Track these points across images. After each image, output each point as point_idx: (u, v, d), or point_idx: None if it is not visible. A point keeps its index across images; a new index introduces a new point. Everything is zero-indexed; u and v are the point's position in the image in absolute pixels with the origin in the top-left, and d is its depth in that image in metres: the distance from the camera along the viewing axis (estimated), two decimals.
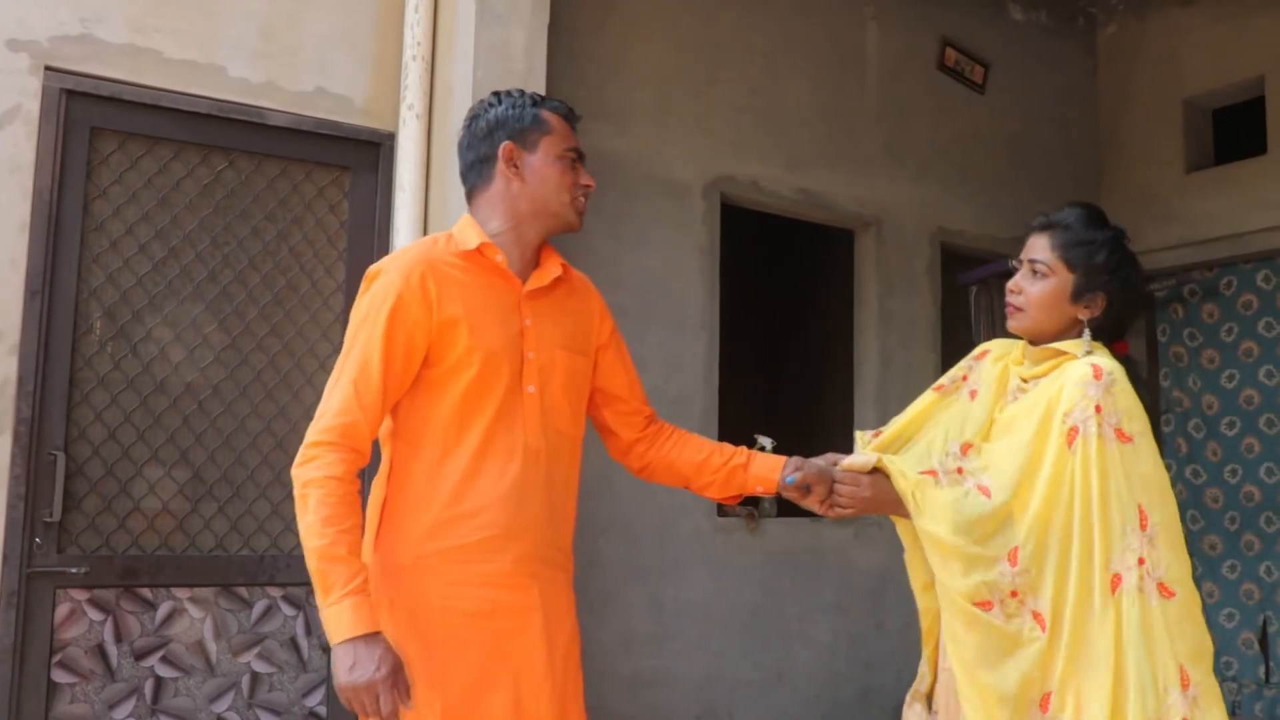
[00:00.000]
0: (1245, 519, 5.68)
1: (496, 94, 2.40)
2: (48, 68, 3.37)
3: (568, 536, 2.39)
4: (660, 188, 4.71)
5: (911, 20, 5.59)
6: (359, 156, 3.83)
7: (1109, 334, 2.38)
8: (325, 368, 3.73)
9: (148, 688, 3.42)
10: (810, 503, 2.46)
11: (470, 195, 2.39)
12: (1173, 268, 6.03)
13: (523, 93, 2.39)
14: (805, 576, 4.96)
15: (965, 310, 5.60)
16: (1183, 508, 5.92)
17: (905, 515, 2.31)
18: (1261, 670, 5.54)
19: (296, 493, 2.10)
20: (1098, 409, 2.17)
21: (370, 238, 3.82)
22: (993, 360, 2.50)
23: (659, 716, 4.50)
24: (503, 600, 2.20)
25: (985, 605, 2.18)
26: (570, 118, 2.41)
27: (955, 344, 5.67)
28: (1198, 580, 5.87)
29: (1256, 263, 5.75)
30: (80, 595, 3.35)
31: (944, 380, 2.57)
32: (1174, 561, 2.17)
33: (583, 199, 2.40)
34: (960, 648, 2.20)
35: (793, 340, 7.52)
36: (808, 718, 4.90)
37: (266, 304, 3.68)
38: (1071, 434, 2.17)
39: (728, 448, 2.55)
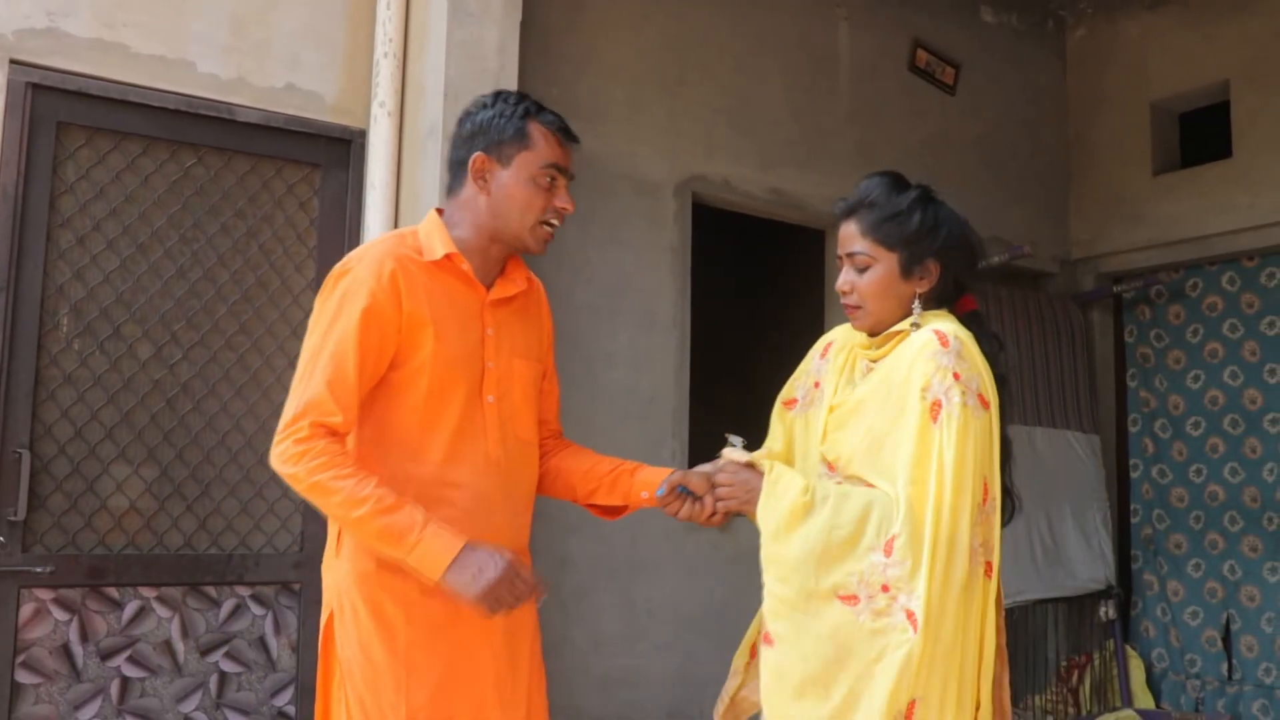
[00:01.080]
0: (1209, 518, 5.74)
1: (496, 94, 2.31)
2: (13, 61, 3.33)
3: (526, 537, 2.37)
4: (632, 186, 4.71)
5: (883, 21, 5.61)
6: (329, 154, 3.81)
7: (952, 296, 2.25)
8: (295, 365, 3.69)
9: (114, 688, 3.39)
10: (696, 515, 2.32)
11: (447, 193, 2.35)
12: (1140, 269, 6.09)
13: (521, 99, 2.29)
14: None
15: None
16: (1148, 507, 6.00)
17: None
18: (1224, 667, 5.60)
19: (306, 486, 2.06)
20: (956, 376, 2.02)
21: (340, 235, 3.80)
22: (836, 351, 2.37)
23: (630, 715, 4.50)
24: (465, 609, 2.17)
25: (850, 600, 2.00)
26: (563, 133, 2.29)
27: None
28: (1163, 579, 5.98)
29: (1221, 265, 5.81)
30: (45, 595, 3.32)
31: (796, 394, 2.42)
32: (997, 541, 2.05)
33: (551, 225, 2.29)
34: (801, 662, 2.03)
35: (764, 340, 7.53)
36: None
37: (235, 301, 3.66)
38: (935, 408, 2.01)
39: (617, 459, 2.46)
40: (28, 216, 3.34)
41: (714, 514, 2.29)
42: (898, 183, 2.24)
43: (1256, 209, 5.52)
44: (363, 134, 3.81)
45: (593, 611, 4.45)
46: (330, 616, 2.22)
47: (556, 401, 2.54)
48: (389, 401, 2.20)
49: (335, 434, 2.10)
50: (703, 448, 4.84)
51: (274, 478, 3.61)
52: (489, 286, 2.30)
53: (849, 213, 2.25)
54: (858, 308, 2.23)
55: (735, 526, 4.85)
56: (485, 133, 2.26)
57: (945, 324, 2.13)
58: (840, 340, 2.39)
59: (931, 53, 5.78)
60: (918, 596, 1.94)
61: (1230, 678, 5.58)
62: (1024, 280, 6.14)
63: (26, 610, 3.29)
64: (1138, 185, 6.07)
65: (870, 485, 2.09)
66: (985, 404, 2.05)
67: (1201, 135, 6.06)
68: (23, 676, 3.27)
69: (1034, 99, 6.27)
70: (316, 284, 3.74)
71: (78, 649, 3.35)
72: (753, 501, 2.17)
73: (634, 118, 4.74)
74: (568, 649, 4.31)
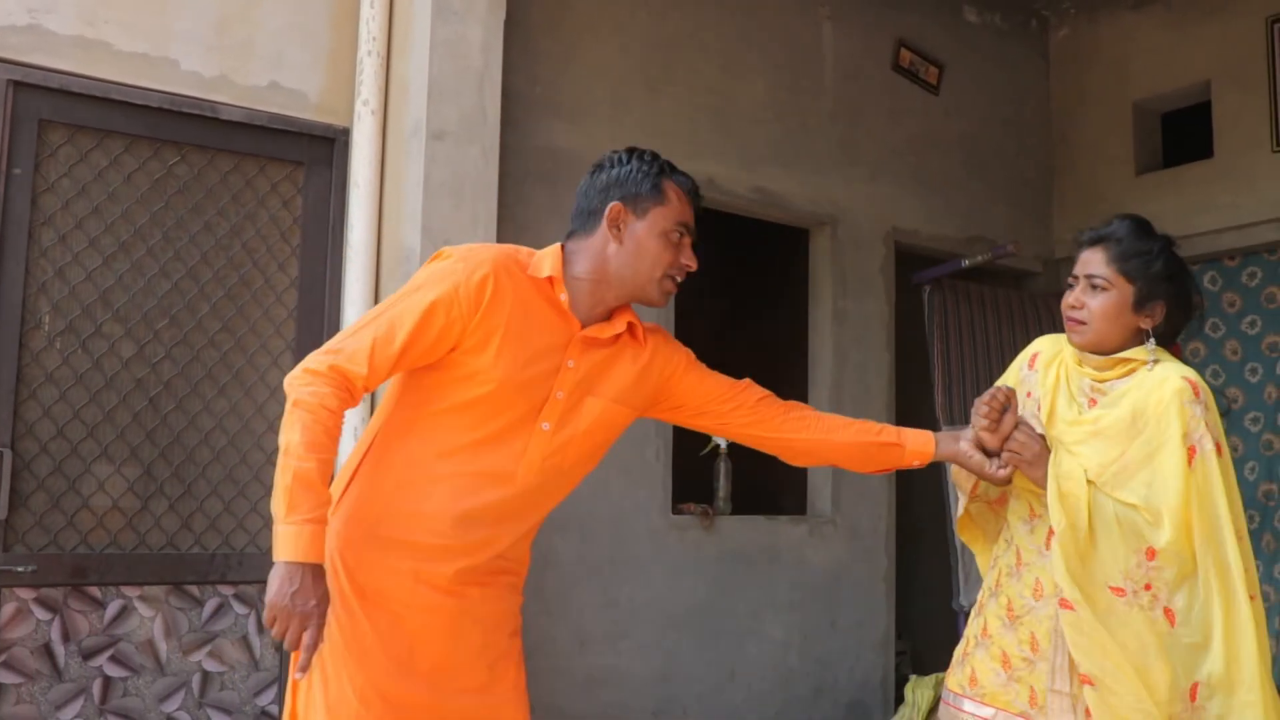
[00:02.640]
0: None
1: (630, 151, 2.38)
2: None
3: (525, 548, 2.40)
4: None
5: (867, 21, 5.63)
6: (313, 152, 3.81)
7: (1167, 340, 2.42)
8: (279, 364, 3.70)
9: (96, 688, 3.38)
10: (982, 467, 2.41)
11: (571, 235, 2.39)
12: None
13: (655, 158, 2.36)
14: (759, 574, 4.98)
15: (919, 310, 5.65)
16: None
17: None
18: None
19: (287, 406, 2.09)
20: (1207, 426, 2.24)
21: (324, 234, 3.79)
22: (1044, 364, 2.51)
23: (613, 714, 4.51)
24: (438, 602, 2.21)
25: (1119, 592, 2.22)
26: (694, 195, 2.37)
27: (909, 343, 5.72)
28: None
29: (1203, 265, 5.84)
30: (27, 594, 3.31)
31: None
32: (1253, 569, 2.28)
33: (675, 280, 2.35)
34: (1104, 638, 2.23)
35: (748, 339, 7.54)
36: (761, 715, 4.92)
37: (219, 300, 3.65)
38: (1191, 453, 2.23)
39: (869, 426, 2.54)
40: (9, 214, 3.33)
41: (1004, 466, 2.40)
42: (1147, 228, 2.45)
43: (1238, 209, 5.55)
44: (346, 132, 3.80)
45: (576, 610, 4.45)
46: None
47: (726, 384, 2.54)
48: (437, 393, 2.23)
49: (349, 385, 2.13)
50: (687, 446, 4.85)
51: (257, 476, 3.63)
52: (586, 324, 2.32)
53: (1096, 241, 2.43)
54: (1082, 324, 2.40)
55: (717, 525, 4.88)
56: (621, 185, 2.33)
57: (1191, 372, 2.33)
58: (1047, 352, 2.54)
59: (915, 52, 5.80)
60: (1181, 599, 2.20)
61: None
62: (1007, 279, 6.17)
63: (8, 610, 3.28)
64: (1121, 185, 6.09)
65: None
66: (1220, 451, 2.27)
67: (1184, 135, 6.09)
68: (4, 676, 3.26)
69: (1017, 98, 6.29)
70: (300, 282, 3.74)
71: (59, 648, 3.34)
72: (1035, 465, 2.34)
73: (617, 116, 4.74)
74: (551, 648, 4.32)
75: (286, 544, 2.03)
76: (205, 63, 3.62)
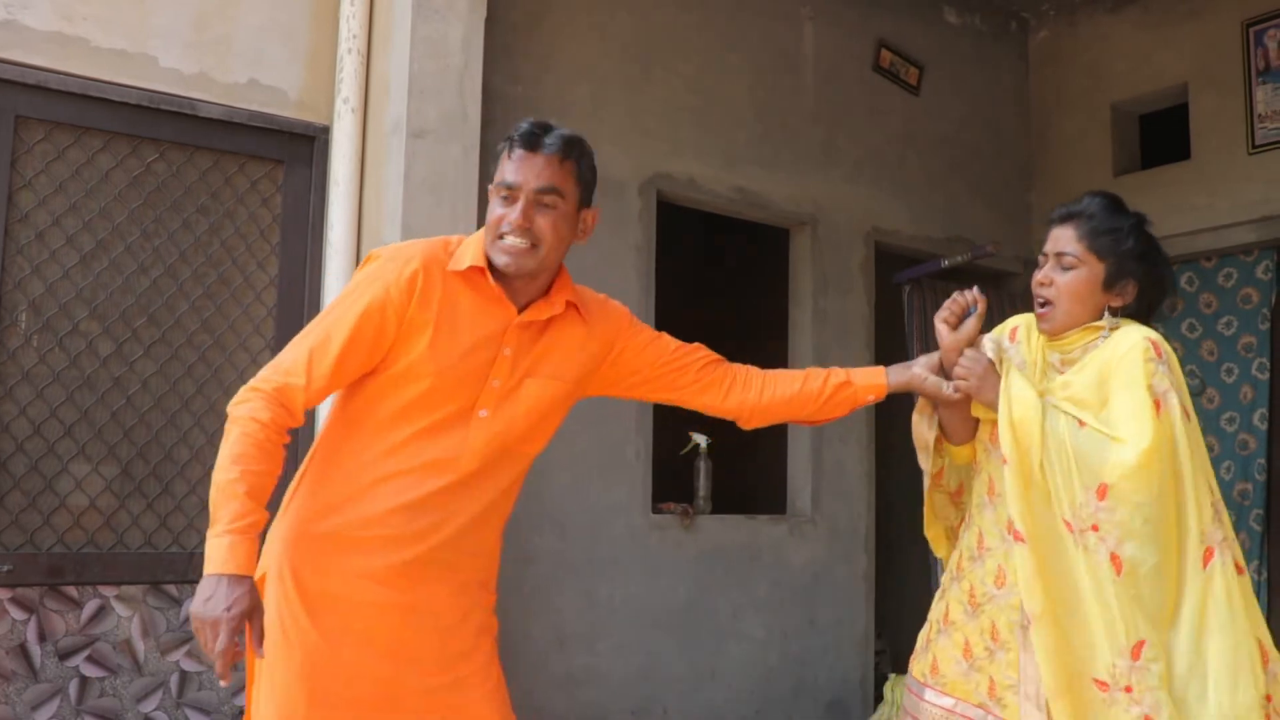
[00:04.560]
0: None
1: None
2: None
3: (489, 539, 2.36)
4: (596, 185, 4.70)
5: (848, 21, 5.64)
6: (293, 150, 3.79)
7: (1139, 320, 2.38)
8: (258, 362, 3.69)
9: (72, 688, 3.36)
10: (936, 390, 2.41)
11: None
12: None
13: (520, 126, 2.30)
14: (739, 573, 4.99)
15: (899, 309, 5.67)
16: None
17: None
18: None
19: (227, 424, 2.09)
20: (1171, 385, 2.19)
21: (304, 232, 3.78)
22: (1024, 337, 2.47)
23: (592, 713, 4.50)
24: (386, 598, 2.18)
25: (1068, 527, 2.16)
26: (513, 145, 2.25)
27: (889, 343, 5.74)
28: None
29: (1180, 265, 5.87)
30: (3, 594, 3.29)
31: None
32: (1235, 541, 2.21)
33: (509, 238, 2.21)
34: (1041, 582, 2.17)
35: (729, 338, 7.55)
36: (740, 714, 4.93)
37: (198, 298, 3.63)
38: (1156, 405, 2.16)
39: (817, 372, 2.52)
40: None
41: (955, 388, 2.39)
42: (1119, 205, 2.38)
43: (1214, 210, 5.59)
44: (326, 130, 3.79)
45: (555, 609, 4.45)
46: (263, 578, 2.20)
47: (674, 348, 2.53)
48: (378, 392, 2.22)
49: (288, 405, 2.11)
50: (667, 445, 4.85)
51: None
52: (523, 307, 2.28)
53: (1066, 218, 2.37)
54: (1050, 304, 2.35)
55: (697, 524, 4.88)
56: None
57: (1153, 332, 2.27)
58: (1024, 327, 2.49)
59: (895, 53, 5.82)
60: (1127, 547, 2.10)
61: None
62: (987, 280, 6.19)
63: None
64: (1099, 186, 6.05)
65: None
66: (1188, 415, 2.21)
67: (1161, 137, 6.13)
68: None
69: (997, 100, 6.32)
70: (280, 280, 3.73)
71: (35, 648, 3.32)
72: (985, 388, 2.32)
73: (598, 115, 4.74)
74: (529, 647, 4.31)
75: (210, 556, 2.02)
76: (184, 59, 3.60)
